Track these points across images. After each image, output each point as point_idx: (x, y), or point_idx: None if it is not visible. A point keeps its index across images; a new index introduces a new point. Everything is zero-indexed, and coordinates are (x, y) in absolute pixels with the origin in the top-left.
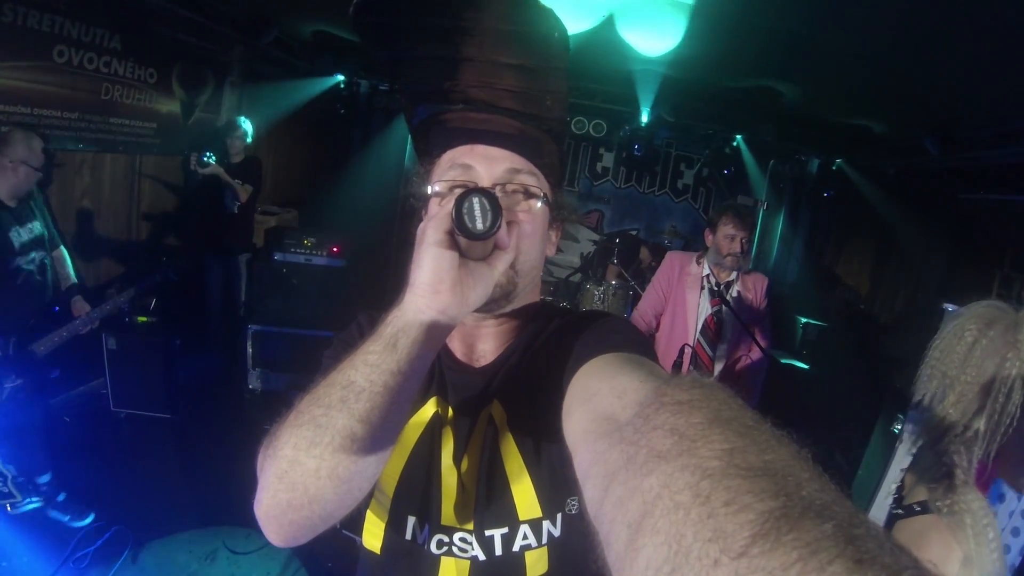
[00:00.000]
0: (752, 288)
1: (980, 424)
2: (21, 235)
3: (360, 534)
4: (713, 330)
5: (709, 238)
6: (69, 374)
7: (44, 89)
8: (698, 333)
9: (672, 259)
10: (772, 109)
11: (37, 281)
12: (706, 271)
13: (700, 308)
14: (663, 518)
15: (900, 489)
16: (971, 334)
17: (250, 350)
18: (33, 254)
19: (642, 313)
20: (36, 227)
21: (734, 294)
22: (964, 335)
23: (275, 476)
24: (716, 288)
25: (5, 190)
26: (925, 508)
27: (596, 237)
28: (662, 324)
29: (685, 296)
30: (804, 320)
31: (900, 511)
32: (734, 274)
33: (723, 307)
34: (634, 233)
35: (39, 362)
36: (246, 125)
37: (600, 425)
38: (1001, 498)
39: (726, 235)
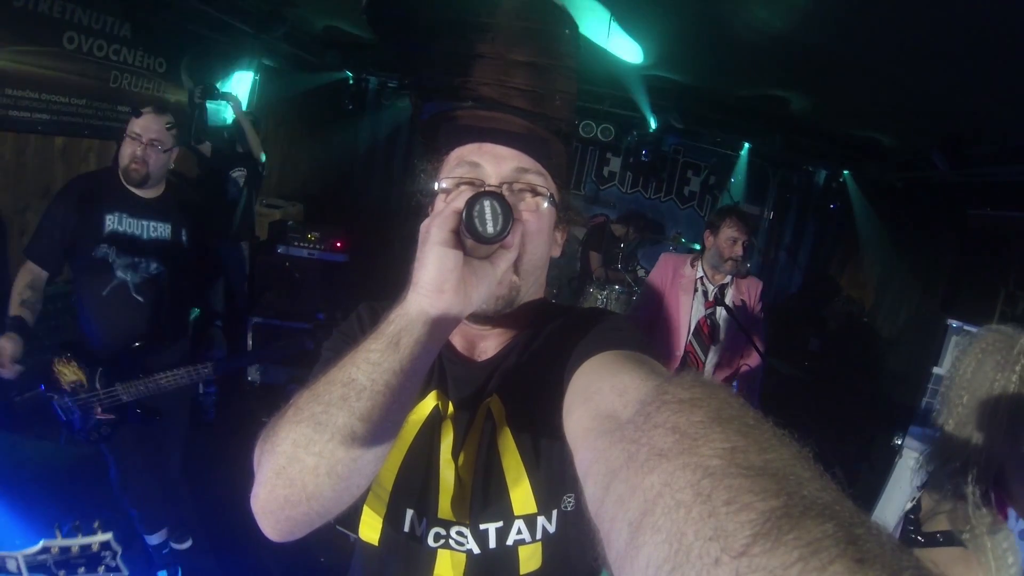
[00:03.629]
0: (746, 292)
1: (977, 444)
2: (119, 224)
3: (355, 530)
4: (706, 333)
5: (709, 240)
6: None
7: (53, 75)
8: (691, 336)
9: (665, 261)
10: (780, 119)
11: (133, 300)
12: (700, 273)
13: (693, 311)
14: (664, 516)
15: (916, 511)
16: (972, 359)
17: (250, 342)
18: (135, 259)
19: (637, 315)
20: (161, 230)
21: (728, 297)
22: (966, 360)
23: (273, 472)
24: (711, 291)
25: (122, 166)
26: (949, 539)
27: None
28: (655, 326)
29: (679, 298)
30: (807, 332)
31: (920, 538)
32: (728, 277)
33: (716, 310)
34: (601, 219)
35: (128, 404)
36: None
37: (601, 423)
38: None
39: (728, 238)
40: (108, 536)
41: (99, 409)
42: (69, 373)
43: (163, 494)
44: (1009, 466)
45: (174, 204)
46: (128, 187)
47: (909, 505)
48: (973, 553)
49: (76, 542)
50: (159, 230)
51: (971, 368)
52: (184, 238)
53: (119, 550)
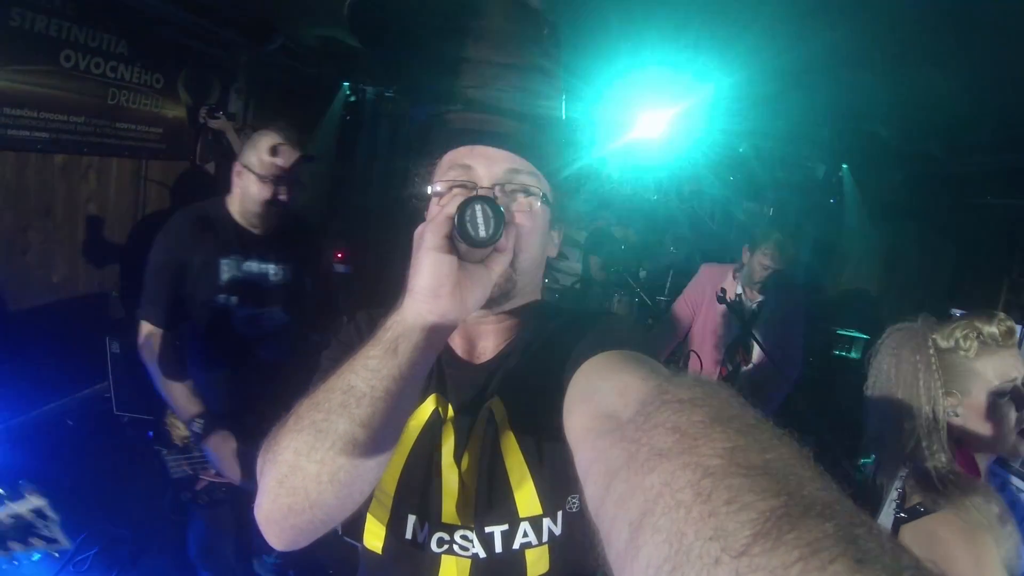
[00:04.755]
0: (785, 304)
1: (923, 419)
2: (238, 270)
3: (360, 539)
4: (741, 352)
5: (746, 256)
6: (72, 377)
7: (51, 93)
8: (724, 354)
9: (704, 273)
10: (778, 114)
11: (256, 359)
12: (739, 290)
13: (730, 328)
14: (664, 516)
15: (902, 495)
16: (888, 357)
17: None
18: (256, 311)
19: (672, 327)
20: (283, 273)
21: (766, 312)
22: (884, 363)
23: (275, 481)
24: (724, 297)
25: (236, 203)
26: (929, 507)
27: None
28: (690, 341)
29: (716, 312)
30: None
31: (903, 515)
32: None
33: (746, 327)
34: (600, 223)
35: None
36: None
37: (601, 423)
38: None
39: (762, 264)
40: (42, 502)
41: (213, 471)
42: (182, 428)
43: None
44: (961, 422)
45: (291, 239)
46: (240, 223)
47: (897, 492)
48: (954, 514)
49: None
50: (280, 273)
51: (892, 365)
52: (307, 278)
53: (56, 518)
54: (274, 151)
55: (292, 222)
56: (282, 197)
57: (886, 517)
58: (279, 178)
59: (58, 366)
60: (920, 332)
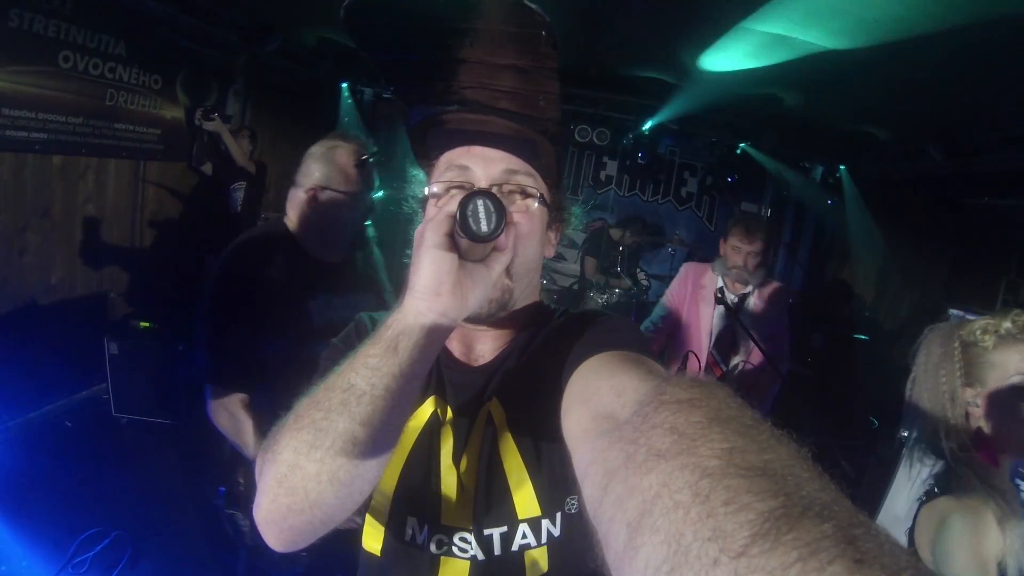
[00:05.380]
0: (769, 300)
1: (947, 405)
2: (327, 308)
3: (359, 540)
4: (727, 344)
5: (722, 247)
6: (71, 378)
7: (49, 94)
8: (712, 347)
9: (686, 271)
10: (775, 116)
11: None
12: (720, 283)
13: (714, 322)
14: (662, 517)
15: (931, 484)
16: (923, 354)
17: None
18: None
19: (659, 325)
20: (364, 306)
21: (749, 306)
22: (920, 359)
23: (275, 480)
24: (722, 297)
25: (307, 228)
26: (943, 489)
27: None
28: (676, 336)
29: (699, 309)
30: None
31: (924, 497)
32: (750, 286)
33: (737, 320)
34: (599, 224)
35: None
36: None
37: (599, 423)
38: None
39: (732, 247)
40: None
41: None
42: None
43: None
44: (981, 414)
45: (362, 265)
46: (313, 253)
47: (924, 490)
48: (963, 493)
49: None
50: (362, 305)
51: (923, 361)
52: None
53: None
54: (361, 164)
55: (360, 243)
56: (369, 216)
57: (910, 502)
58: (363, 194)
59: (56, 367)
60: (949, 328)
